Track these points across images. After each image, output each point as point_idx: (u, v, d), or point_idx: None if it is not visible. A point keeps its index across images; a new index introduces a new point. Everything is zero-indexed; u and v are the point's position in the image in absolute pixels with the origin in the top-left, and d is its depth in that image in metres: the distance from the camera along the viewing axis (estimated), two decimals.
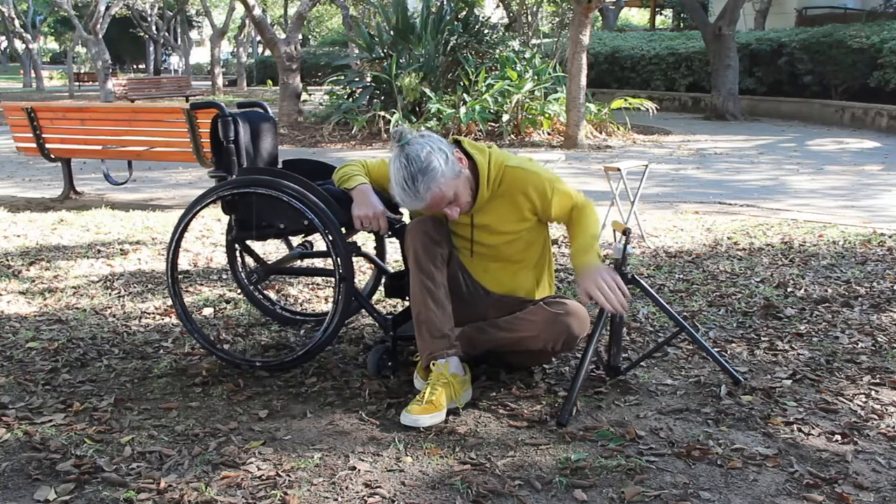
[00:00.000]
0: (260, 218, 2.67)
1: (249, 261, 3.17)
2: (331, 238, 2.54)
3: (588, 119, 10.47)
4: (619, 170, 4.65)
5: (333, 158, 8.83)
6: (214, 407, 2.44)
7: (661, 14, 28.28)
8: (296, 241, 3.24)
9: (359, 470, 2.04)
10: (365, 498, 1.92)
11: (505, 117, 10.52)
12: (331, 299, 3.58)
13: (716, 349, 2.88)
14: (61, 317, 3.35)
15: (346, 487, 1.96)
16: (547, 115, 10.74)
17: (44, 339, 3.06)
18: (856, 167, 8.03)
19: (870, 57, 12.02)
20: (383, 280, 3.03)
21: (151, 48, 36.89)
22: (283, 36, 13.16)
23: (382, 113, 10.82)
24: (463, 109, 10.08)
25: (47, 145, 6.45)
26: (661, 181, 7.26)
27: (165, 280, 2.87)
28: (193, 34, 43.41)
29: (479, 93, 10.50)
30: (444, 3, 11.98)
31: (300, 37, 14.45)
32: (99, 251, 4.58)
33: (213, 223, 5.25)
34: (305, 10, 13.11)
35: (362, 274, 3.90)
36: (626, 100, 10.92)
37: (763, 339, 3.01)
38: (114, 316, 3.37)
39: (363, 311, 3.24)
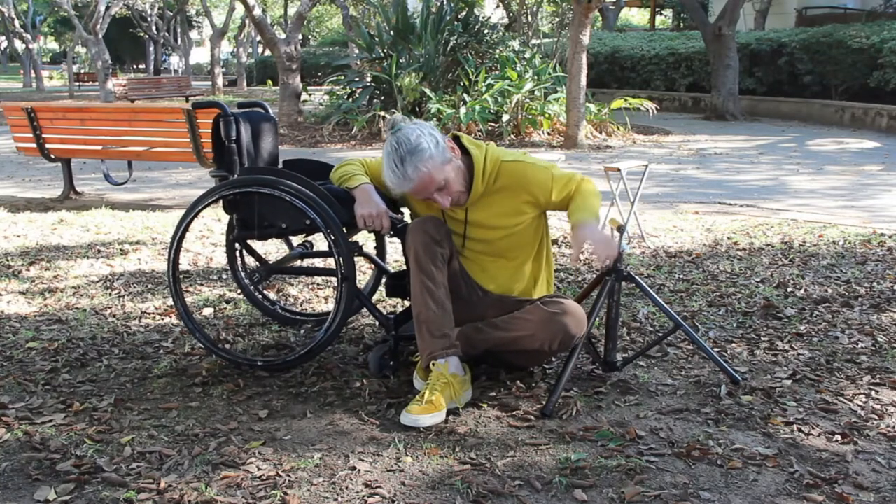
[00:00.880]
0: (262, 217, 2.67)
1: (250, 261, 3.18)
2: (333, 238, 2.54)
3: (588, 119, 10.47)
4: (619, 170, 4.65)
5: (333, 158, 8.83)
6: (214, 407, 2.44)
7: (661, 14, 28.28)
8: (296, 240, 3.24)
9: (359, 470, 2.04)
10: (365, 498, 1.92)
11: (505, 117, 10.52)
12: (331, 299, 3.58)
13: (716, 349, 2.88)
14: (61, 317, 3.35)
15: (346, 487, 1.96)
16: (547, 116, 10.74)
17: (44, 339, 3.06)
18: (856, 167, 8.03)
19: (870, 57, 12.02)
20: (384, 280, 3.03)
21: (151, 48, 36.89)
22: (283, 36, 13.17)
23: (382, 113, 10.82)
24: (463, 109, 10.08)
25: (47, 145, 6.45)
26: (661, 181, 7.26)
27: (167, 280, 2.87)
28: (193, 34, 43.42)
29: (479, 93, 10.50)
30: (444, 3, 11.98)
31: (300, 37, 14.45)
32: (99, 251, 4.58)
33: (214, 223, 5.24)
34: (305, 10, 13.11)
35: (362, 274, 3.90)
36: (626, 100, 10.92)
37: (763, 339, 3.01)
38: (114, 316, 3.37)
39: (364, 310, 3.24)
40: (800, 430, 2.25)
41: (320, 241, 2.70)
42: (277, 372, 2.70)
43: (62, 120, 6.39)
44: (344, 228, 2.58)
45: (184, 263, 4.20)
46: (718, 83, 13.30)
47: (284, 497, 1.92)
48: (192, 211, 2.71)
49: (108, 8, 20.93)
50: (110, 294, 3.70)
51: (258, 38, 29.11)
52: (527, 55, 11.73)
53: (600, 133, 10.82)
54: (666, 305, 2.64)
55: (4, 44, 45.89)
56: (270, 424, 2.32)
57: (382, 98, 11.57)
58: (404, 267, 2.66)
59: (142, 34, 35.05)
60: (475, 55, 11.65)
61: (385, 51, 11.77)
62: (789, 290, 3.64)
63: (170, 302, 3.50)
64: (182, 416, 2.38)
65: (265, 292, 3.34)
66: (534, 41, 15.46)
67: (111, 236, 4.99)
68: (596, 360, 2.69)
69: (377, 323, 3.13)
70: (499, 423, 2.31)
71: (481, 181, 2.44)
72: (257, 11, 11.81)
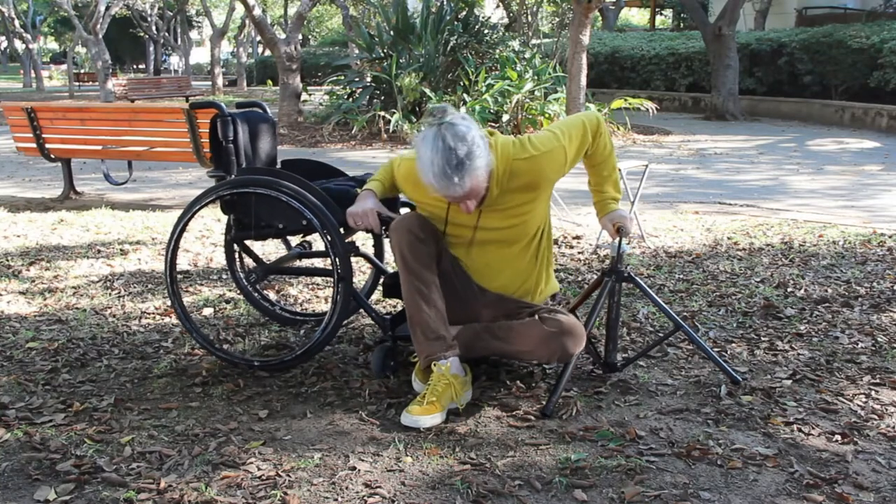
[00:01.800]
0: (259, 218, 2.67)
1: (248, 261, 3.17)
2: (329, 238, 2.54)
3: None
4: (619, 170, 4.64)
5: (333, 158, 8.84)
6: (214, 407, 2.44)
7: (661, 14, 28.27)
8: (294, 240, 3.24)
9: (359, 470, 2.04)
10: (365, 498, 1.92)
11: (505, 117, 10.52)
12: (330, 299, 3.58)
13: (716, 349, 2.88)
14: (61, 317, 3.34)
15: (346, 487, 1.96)
16: (547, 115, 10.74)
17: (44, 339, 3.06)
18: (856, 167, 8.03)
19: (870, 57, 12.02)
20: (381, 280, 3.03)
21: (151, 48, 36.88)
22: (283, 36, 13.17)
23: (382, 113, 10.82)
24: (463, 109, 10.07)
25: (47, 145, 6.45)
26: (661, 181, 7.26)
27: (164, 280, 2.87)
28: (193, 34, 43.42)
29: (479, 93, 10.50)
30: (444, 3, 11.97)
31: (300, 37, 14.45)
32: (99, 251, 4.58)
33: (213, 223, 5.24)
34: (305, 10, 13.11)
35: (362, 274, 3.90)
36: (626, 100, 10.91)
37: (763, 339, 3.01)
38: (114, 316, 3.37)
39: (362, 311, 3.24)
40: (800, 430, 2.25)
41: (319, 242, 2.70)
42: (276, 372, 2.70)
43: (62, 120, 6.39)
44: (341, 229, 2.58)
45: (183, 263, 4.21)
46: (718, 83, 13.30)
47: (284, 497, 1.92)
48: (190, 212, 2.71)
49: (108, 8, 20.92)
50: (110, 294, 3.70)
51: (258, 38, 29.10)
52: (527, 55, 11.73)
53: None
54: (666, 306, 2.64)
55: (4, 44, 45.88)
56: (270, 424, 2.32)
57: (382, 98, 11.57)
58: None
59: (142, 34, 35.04)
60: (475, 55, 11.64)
61: (385, 51, 11.76)
62: (789, 290, 3.64)
63: (170, 302, 3.49)
64: (182, 416, 2.38)
65: (265, 292, 3.35)
66: (534, 41, 15.45)
67: (111, 236, 4.99)
68: (596, 360, 2.69)
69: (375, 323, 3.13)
70: (499, 423, 2.31)
71: (496, 185, 2.33)
72: (257, 11, 11.80)
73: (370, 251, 3.26)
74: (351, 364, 2.79)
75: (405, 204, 3.00)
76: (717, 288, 3.68)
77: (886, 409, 2.38)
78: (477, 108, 10.02)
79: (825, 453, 2.12)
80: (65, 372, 2.73)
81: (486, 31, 12.27)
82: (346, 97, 12.25)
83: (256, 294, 3.23)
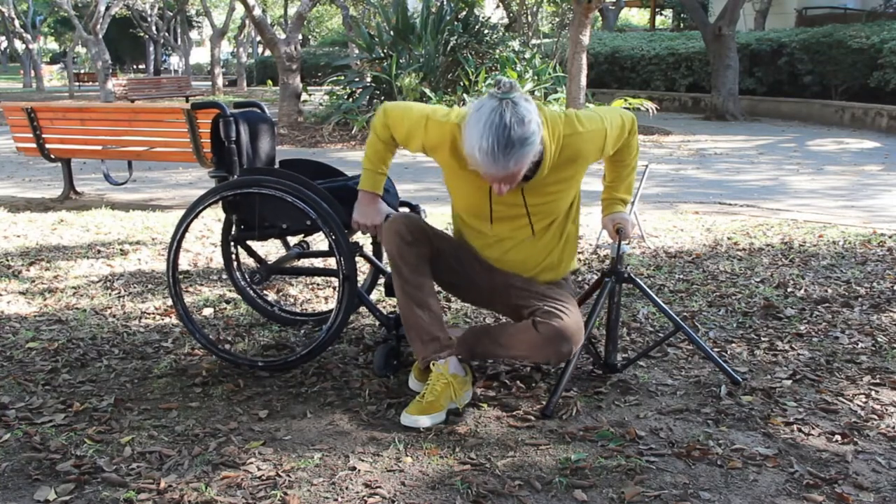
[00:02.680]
0: (262, 218, 2.67)
1: (247, 261, 3.17)
2: (334, 237, 2.54)
3: None
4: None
5: (333, 159, 8.84)
6: (214, 407, 2.44)
7: (661, 14, 28.28)
8: (292, 240, 3.24)
9: (359, 470, 2.04)
10: (365, 498, 1.92)
11: None
12: (331, 299, 3.58)
13: (716, 349, 2.88)
14: (61, 317, 3.34)
15: (346, 487, 1.96)
16: None
17: (44, 339, 3.06)
18: (856, 167, 8.03)
19: (870, 57, 12.02)
20: (382, 279, 3.03)
21: (151, 48, 36.89)
22: (283, 36, 13.16)
23: None
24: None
25: (47, 145, 6.45)
26: (661, 181, 7.26)
27: (166, 280, 2.87)
28: (193, 34, 43.42)
29: (479, 93, 10.49)
30: (444, 3, 11.98)
31: (300, 37, 14.45)
32: (99, 251, 4.58)
33: (214, 223, 5.24)
34: (305, 10, 13.11)
35: (361, 274, 3.89)
36: (626, 100, 10.90)
37: (763, 339, 3.01)
38: (114, 316, 3.37)
39: (363, 310, 3.24)
40: (800, 430, 2.25)
41: (318, 241, 2.70)
42: (278, 372, 2.70)
43: (62, 120, 6.39)
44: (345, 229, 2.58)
45: (184, 264, 4.21)
46: (718, 83, 13.30)
47: (284, 497, 1.92)
48: (193, 211, 2.70)
49: (108, 8, 20.93)
50: (110, 294, 3.70)
51: (258, 38, 29.10)
52: (527, 55, 11.74)
53: None
54: (666, 307, 2.64)
55: (4, 44, 45.90)
56: (270, 424, 2.32)
57: (382, 98, 11.57)
58: None
59: (142, 34, 35.05)
60: (475, 55, 11.65)
61: (385, 51, 11.77)
62: (789, 290, 3.64)
63: (170, 302, 3.50)
64: (182, 416, 2.38)
65: (263, 293, 3.34)
66: (534, 41, 15.47)
67: (111, 236, 4.99)
68: (596, 361, 2.69)
69: (377, 323, 3.13)
70: (499, 423, 2.31)
71: (547, 166, 2.24)
72: (257, 11, 11.80)
73: (369, 251, 3.26)
74: (351, 364, 2.79)
75: (405, 203, 3.00)
76: (717, 288, 3.68)
77: (886, 410, 2.38)
78: None
79: (825, 453, 2.12)
80: (65, 372, 2.73)
81: (486, 32, 12.28)
82: (346, 97, 12.25)
83: (255, 294, 3.23)
